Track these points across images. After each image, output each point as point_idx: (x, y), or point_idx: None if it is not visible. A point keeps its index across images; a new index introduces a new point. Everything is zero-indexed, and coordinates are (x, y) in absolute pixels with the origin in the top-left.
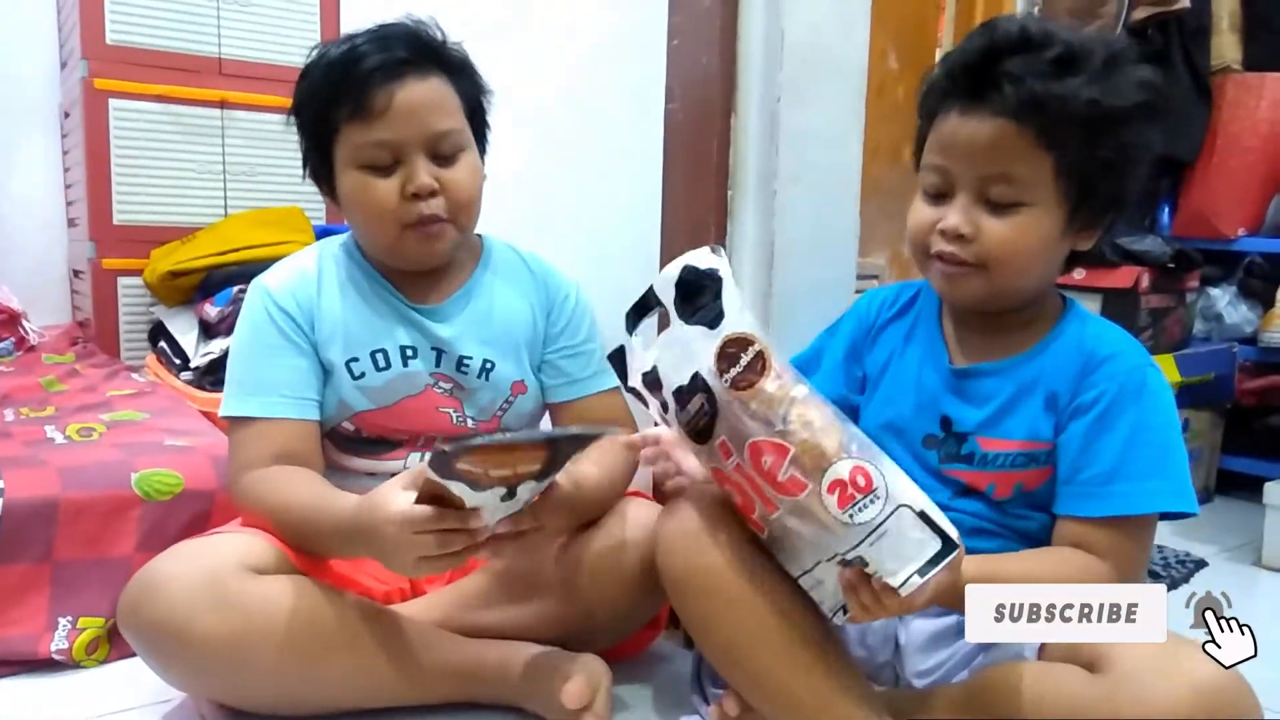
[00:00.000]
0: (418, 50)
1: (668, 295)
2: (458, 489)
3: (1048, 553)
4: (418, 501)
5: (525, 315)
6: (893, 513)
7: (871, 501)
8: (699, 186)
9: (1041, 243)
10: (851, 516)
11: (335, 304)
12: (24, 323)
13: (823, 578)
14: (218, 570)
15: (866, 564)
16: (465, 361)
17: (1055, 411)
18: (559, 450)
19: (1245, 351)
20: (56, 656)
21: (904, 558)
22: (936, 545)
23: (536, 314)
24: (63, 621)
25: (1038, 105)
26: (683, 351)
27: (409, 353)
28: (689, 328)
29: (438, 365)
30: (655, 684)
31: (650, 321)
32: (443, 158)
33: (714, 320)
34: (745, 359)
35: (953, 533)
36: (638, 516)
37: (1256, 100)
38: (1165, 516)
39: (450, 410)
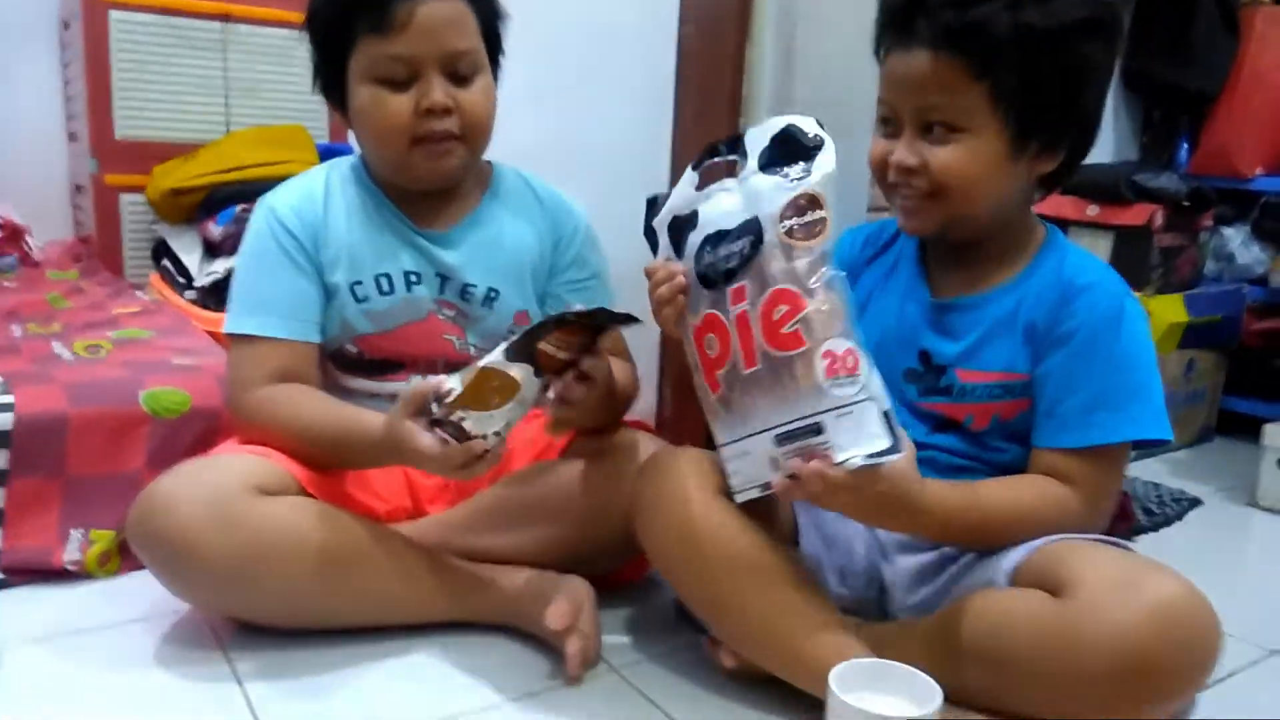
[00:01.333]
0: None
1: (757, 144)
2: (519, 372)
3: (1023, 480)
4: (416, 409)
5: (532, 245)
6: (864, 400)
7: (851, 382)
8: (711, 115)
9: (986, 168)
10: (830, 387)
11: (341, 225)
12: (27, 238)
13: (751, 450)
14: (223, 490)
15: (821, 431)
16: (470, 289)
17: (1033, 343)
18: (599, 335)
19: (1254, 292)
20: (70, 567)
21: (855, 441)
22: (886, 443)
23: (544, 244)
24: (75, 534)
25: (955, 35)
26: (745, 197)
27: (413, 278)
28: (767, 177)
29: (442, 292)
30: (650, 606)
31: (711, 165)
32: (459, 77)
33: (798, 177)
34: (811, 217)
35: (904, 440)
36: (635, 446)
37: None
38: (1141, 445)
39: (453, 337)
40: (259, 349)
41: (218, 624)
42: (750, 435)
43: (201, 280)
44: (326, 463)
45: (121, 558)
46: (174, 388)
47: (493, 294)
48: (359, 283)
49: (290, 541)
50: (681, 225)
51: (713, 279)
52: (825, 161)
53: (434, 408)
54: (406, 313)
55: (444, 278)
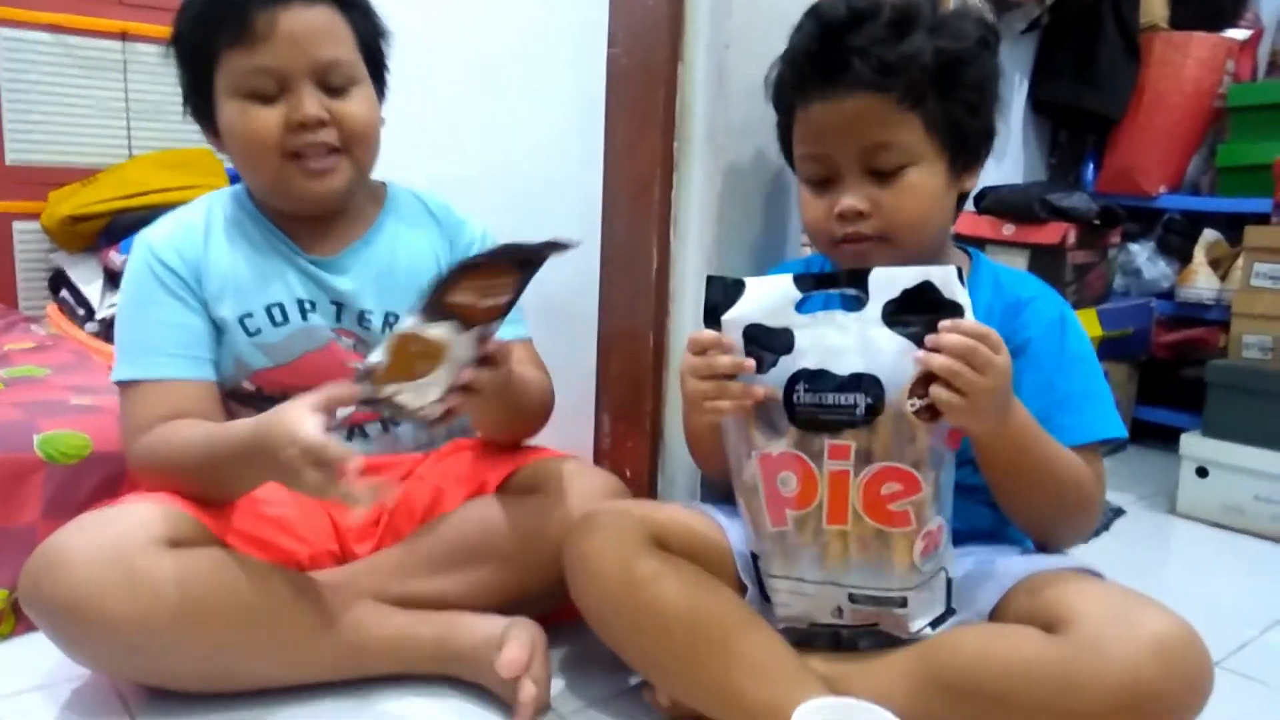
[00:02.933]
0: None
1: (884, 289)
2: (441, 331)
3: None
4: (326, 406)
5: (429, 263)
6: (940, 571)
7: (936, 557)
8: (643, 139)
9: (933, 197)
10: (922, 564)
11: (224, 257)
12: None
13: (814, 593)
14: (125, 544)
15: (905, 605)
16: (366, 315)
17: None
18: (529, 270)
19: (1162, 306)
20: None
21: (927, 609)
22: (943, 608)
23: (440, 260)
24: None
25: (890, 70)
26: (860, 344)
27: (307, 306)
28: (891, 334)
29: (339, 320)
30: (591, 644)
31: (818, 295)
32: (333, 89)
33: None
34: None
35: (954, 602)
36: (578, 482)
37: (1183, 58)
38: (1101, 444)
39: (358, 365)
40: (149, 393)
41: (124, 689)
42: (819, 583)
43: (104, 312)
44: (208, 492)
45: (16, 619)
46: (72, 430)
47: (391, 319)
48: (249, 315)
49: (202, 598)
50: (766, 338)
51: (809, 424)
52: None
53: (363, 388)
54: (304, 343)
55: (339, 305)
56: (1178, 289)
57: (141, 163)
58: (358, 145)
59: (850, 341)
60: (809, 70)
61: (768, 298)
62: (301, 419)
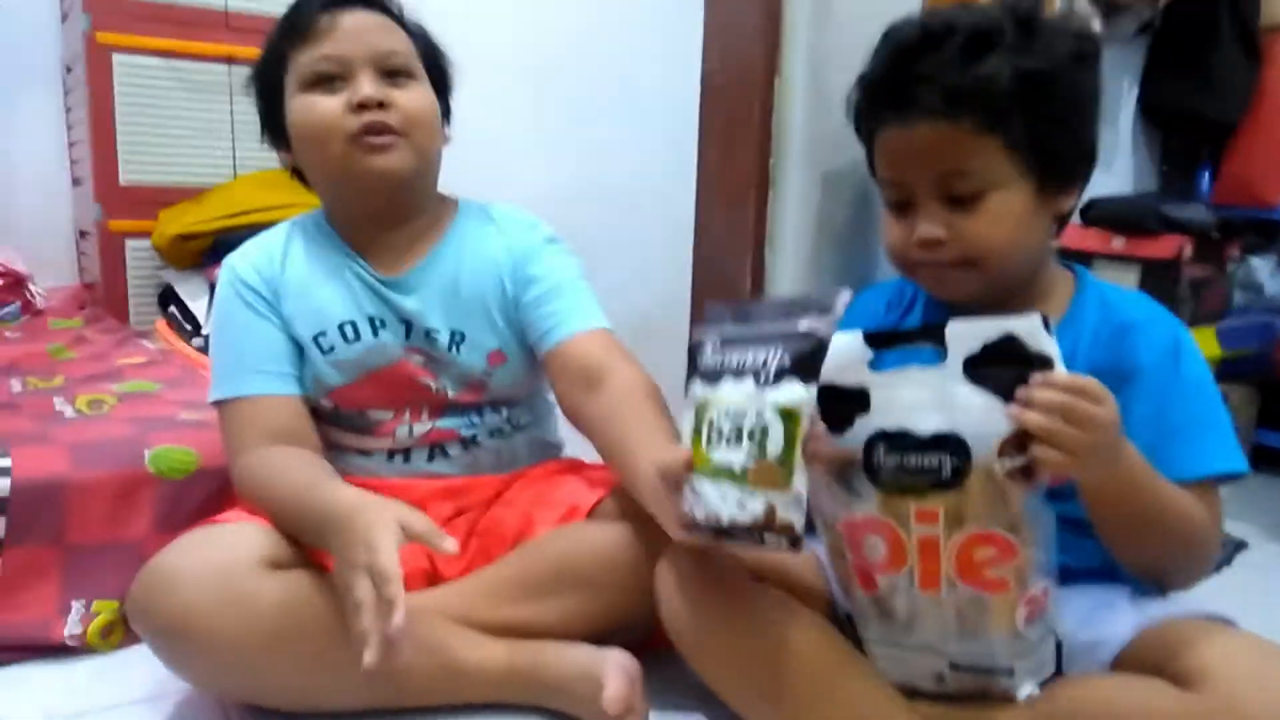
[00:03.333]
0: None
1: (964, 342)
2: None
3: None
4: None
5: (494, 277)
6: (1049, 635)
7: (1042, 621)
8: (737, 155)
9: (1018, 221)
10: (1026, 631)
11: (300, 276)
12: (30, 285)
13: (912, 659)
14: (231, 567)
15: (1012, 674)
16: (433, 334)
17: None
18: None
19: None
20: (70, 642)
21: (1035, 674)
22: (1053, 669)
23: (504, 272)
24: (76, 605)
25: (961, 97)
26: (941, 401)
27: (378, 323)
28: (975, 390)
29: (408, 338)
30: (684, 674)
31: (893, 352)
32: (392, 75)
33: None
34: (1027, 457)
35: (1066, 653)
36: None
37: None
38: (1220, 480)
39: (429, 381)
40: (244, 411)
41: (228, 705)
42: (918, 649)
43: (209, 327)
44: (294, 535)
45: (125, 630)
46: (181, 446)
47: (458, 337)
48: (322, 333)
49: (299, 620)
50: (840, 398)
51: (892, 487)
52: None
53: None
54: (376, 359)
55: (408, 323)
56: None
57: (245, 182)
58: (416, 129)
59: (928, 398)
60: (880, 97)
61: (841, 356)
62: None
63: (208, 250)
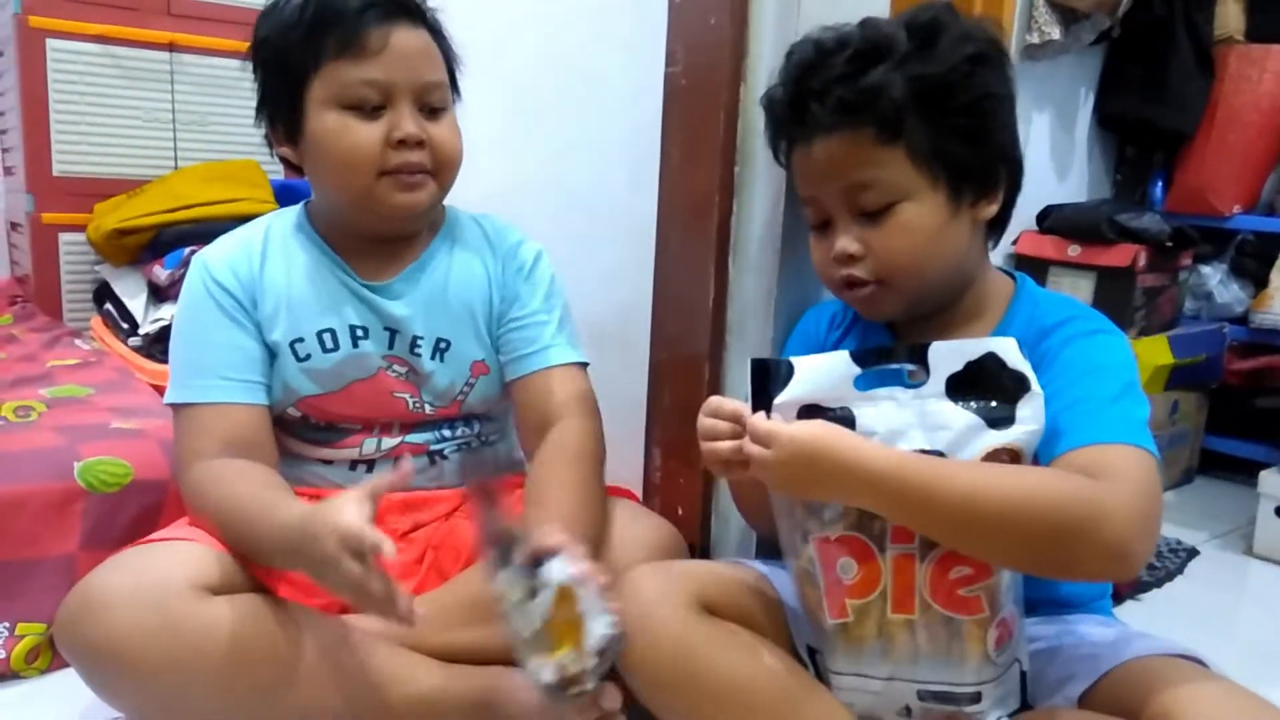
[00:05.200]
0: (403, 2)
1: (946, 363)
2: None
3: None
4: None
5: (482, 287)
6: (1014, 663)
7: (1011, 647)
8: (701, 162)
9: (930, 232)
10: (996, 656)
11: (279, 278)
12: None
13: (880, 690)
14: (166, 589)
15: (979, 700)
16: (418, 342)
17: None
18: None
19: (1235, 331)
20: None
21: (1001, 703)
22: (1017, 703)
23: (493, 283)
24: None
25: (852, 108)
26: (922, 420)
27: (359, 332)
28: (956, 408)
29: (391, 347)
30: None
31: (877, 372)
32: (430, 111)
33: (1000, 421)
34: None
35: (1030, 689)
36: (630, 530)
37: (1259, 72)
38: None
39: (406, 395)
40: (205, 416)
41: None
42: (885, 679)
43: (146, 327)
44: (243, 554)
45: (53, 654)
46: (113, 457)
47: (442, 344)
48: (300, 340)
49: (239, 648)
50: (825, 417)
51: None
52: (1031, 413)
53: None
54: (353, 370)
55: (392, 332)
56: (1252, 314)
57: (186, 175)
58: (445, 170)
59: (910, 417)
60: (784, 115)
61: (825, 376)
62: (344, 507)
63: (146, 245)
